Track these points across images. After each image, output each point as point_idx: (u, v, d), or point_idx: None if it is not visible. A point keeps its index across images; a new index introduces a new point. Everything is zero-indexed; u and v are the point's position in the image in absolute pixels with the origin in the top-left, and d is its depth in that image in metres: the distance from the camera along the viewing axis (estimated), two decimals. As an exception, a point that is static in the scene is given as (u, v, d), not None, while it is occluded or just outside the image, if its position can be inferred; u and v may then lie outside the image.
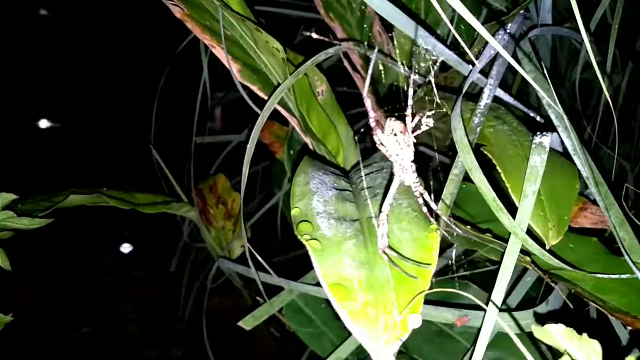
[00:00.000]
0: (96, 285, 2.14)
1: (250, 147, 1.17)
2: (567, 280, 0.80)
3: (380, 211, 0.60)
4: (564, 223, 0.84)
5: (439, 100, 0.70)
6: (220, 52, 1.24)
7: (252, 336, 1.70)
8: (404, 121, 0.64)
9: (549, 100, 0.99)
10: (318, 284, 1.28)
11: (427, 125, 0.65)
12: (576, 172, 0.92)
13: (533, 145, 0.83)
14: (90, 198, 1.37)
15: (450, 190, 0.87)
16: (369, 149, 1.73)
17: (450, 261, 1.36)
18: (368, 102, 0.63)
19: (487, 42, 1.14)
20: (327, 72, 1.55)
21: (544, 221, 0.84)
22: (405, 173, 0.65)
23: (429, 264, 0.57)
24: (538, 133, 0.88)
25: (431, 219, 0.63)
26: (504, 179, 0.87)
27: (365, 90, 0.62)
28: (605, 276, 0.78)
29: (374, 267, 0.57)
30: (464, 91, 0.96)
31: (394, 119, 0.65)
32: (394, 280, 0.55)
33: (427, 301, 1.28)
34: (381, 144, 0.65)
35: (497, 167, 0.89)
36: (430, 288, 0.55)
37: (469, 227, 0.91)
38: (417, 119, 0.64)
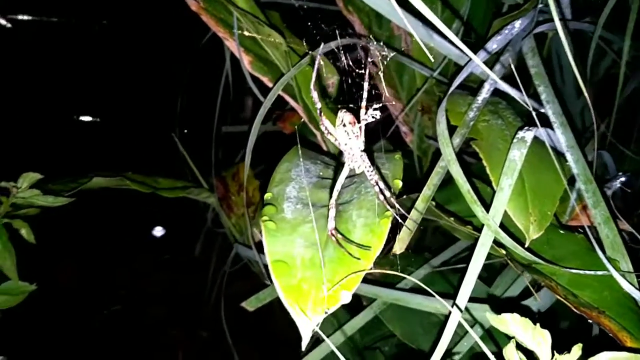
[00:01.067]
0: (126, 267, 2.26)
1: (253, 135, 1.22)
2: (542, 273, 0.80)
3: (330, 197, 0.63)
4: (546, 218, 0.85)
5: (387, 94, 0.72)
6: (232, 45, 1.30)
7: (273, 320, 1.76)
8: (354, 113, 0.67)
9: (547, 96, 0.99)
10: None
11: (373, 117, 0.68)
12: (565, 169, 0.92)
13: (515, 140, 0.84)
14: (113, 181, 1.46)
15: (433, 181, 0.89)
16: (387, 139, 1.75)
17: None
18: (314, 95, 0.66)
19: (489, 37, 1.14)
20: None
21: (526, 215, 0.85)
22: (355, 162, 0.68)
23: (369, 247, 0.60)
24: (525, 128, 0.88)
25: (387, 207, 0.65)
26: (488, 172, 0.89)
27: (311, 84, 0.66)
28: (580, 272, 0.78)
29: (325, 248, 0.61)
30: (454, 85, 0.97)
31: (344, 110, 0.68)
32: (338, 260, 0.59)
33: (425, 292, 1.30)
34: (329, 133, 0.68)
35: (483, 161, 0.91)
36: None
37: (452, 218, 0.93)
38: (369, 111, 0.67)
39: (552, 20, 1.32)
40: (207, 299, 2.21)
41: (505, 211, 0.85)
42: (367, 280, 1.40)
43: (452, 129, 1.00)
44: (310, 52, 1.16)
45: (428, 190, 0.87)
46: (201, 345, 2.06)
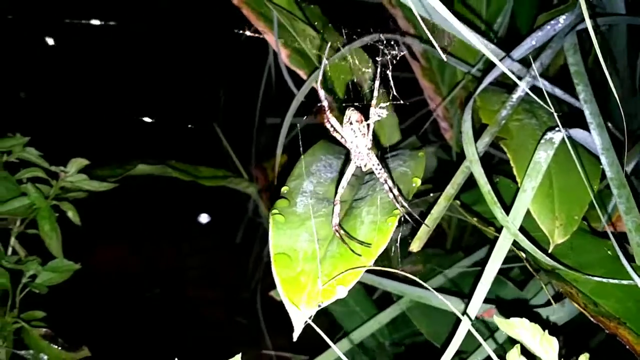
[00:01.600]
0: (170, 251, 2.36)
1: (284, 127, 1.24)
2: (564, 280, 0.78)
3: (336, 193, 0.64)
4: (573, 222, 0.82)
5: (395, 93, 0.71)
6: (271, 39, 1.32)
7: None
8: (361, 112, 0.67)
9: (585, 95, 0.95)
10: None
11: (379, 115, 0.67)
12: (599, 172, 0.88)
13: (542, 141, 0.82)
14: (156, 168, 1.52)
15: (457, 180, 0.88)
16: (420, 136, 1.73)
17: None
18: (321, 92, 0.66)
19: (526, 35, 1.10)
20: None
21: (551, 219, 0.82)
22: (362, 160, 0.69)
23: (369, 244, 0.61)
24: (557, 129, 0.86)
25: (397, 205, 0.65)
26: (515, 173, 0.87)
27: (318, 82, 0.66)
28: (604, 280, 0.75)
29: (329, 243, 0.62)
30: (483, 85, 0.95)
31: (352, 108, 0.69)
32: (340, 256, 0.59)
33: (455, 293, 1.28)
34: (334, 130, 0.68)
35: (510, 161, 0.88)
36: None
37: (475, 219, 0.92)
38: (376, 109, 0.67)
39: (601, 15, 1.27)
40: (246, 286, 2.26)
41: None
42: (396, 277, 1.41)
43: (484, 127, 0.99)
44: (341, 47, 1.17)
45: (451, 189, 0.86)
46: (237, 331, 2.12)
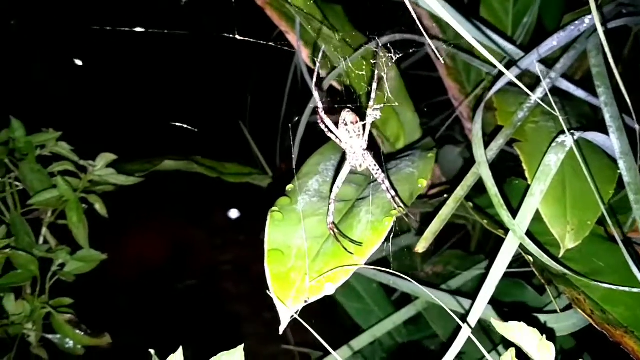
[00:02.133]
0: (203, 245, 2.42)
1: (302, 124, 1.25)
2: (572, 285, 0.77)
3: (330, 192, 0.65)
4: (585, 227, 0.80)
5: (389, 95, 0.71)
6: (292, 38, 1.34)
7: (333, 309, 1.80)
8: (356, 113, 0.68)
9: (606, 98, 0.93)
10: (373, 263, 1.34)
11: (375, 117, 0.68)
12: (615, 177, 0.86)
13: (553, 144, 0.80)
14: (183, 164, 1.56)
15: (468, 182, 0.87)
16: (445, 137, 1.72)
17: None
18: (315, 94, 0.67)
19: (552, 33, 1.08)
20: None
21: (563, 223, 0.81)
22: (357, 160, 0.69)
23: (360, 243, 0.61)
24: (571, 132, 0.84)
25: (394, 205, 0.66)
26: (527, 176, 0.85)
27: (312, 84, 0.67)
28: (613, 287, 0.73)
29: (325, 241, 0.63)
30: (495, 88, 0.94)
31: (348, 110, 0.69)
32: (332, 253, 0.60)
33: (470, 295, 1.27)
34: (329, 131, 0.69)
35: (523, 164, 0.87)
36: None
37: (485, 221, 0.91)
38: (372, 111, 0.67)
39: (631, 15, 1.23)
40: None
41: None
42: (416, 278, 1.40)
43: (500, 128, 0.98)
44: (360, 46, 1.17)
45: (461, 190, 0.86)
46: (263, 325, 2.15)
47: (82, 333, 1.14)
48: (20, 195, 1.25)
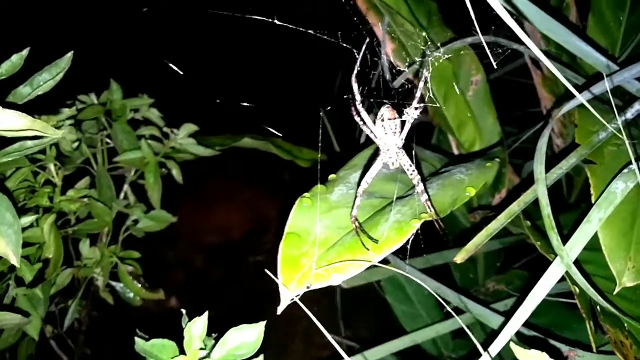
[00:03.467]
0: (272, 224, 2.49)
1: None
2: (620, 326, 0.70)
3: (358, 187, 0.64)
4: (649, 267, 0.73)
5: (431, 95, 0.67)
6: (378, 32, 1.33)
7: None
8: (397, 110, 0.65)
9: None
10: (425, 270, 1.31)
11: (412, 117, 0.65)
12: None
13: (625, 170, 0.73)
14: (261, 143, 1.62)
15: (526, 198, 0.82)
16: (527, 150, 1.62)
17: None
18: (355, 86, 0.66)
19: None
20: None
21: (623, 258, 0.74)
22: (390, 157, 0.67)
23: (377, 240, 0.59)
24: (651, 160, 0.76)
25: (428, 209, 0.63)
26: (592, 200, 0.79)
27: (353, 76, 0.65)
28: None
29: (348, 233, 0.62)
30: (569, 106, 0.87)
31: (387, 105, 0.67)
32: (349, 246, 0.60)
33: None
34: (364, 124, 0.67)
35: (591, 189, 0.80)
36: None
37: (539, 243, 0.85)
38: (410, 110, 0.64)
39: None
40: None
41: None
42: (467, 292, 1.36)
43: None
44: (444, 44, 1.13)
45: (516, 206, 0.81)
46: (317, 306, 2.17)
47: (140, 285, 1.23)
48: (109, 153, 1.37)
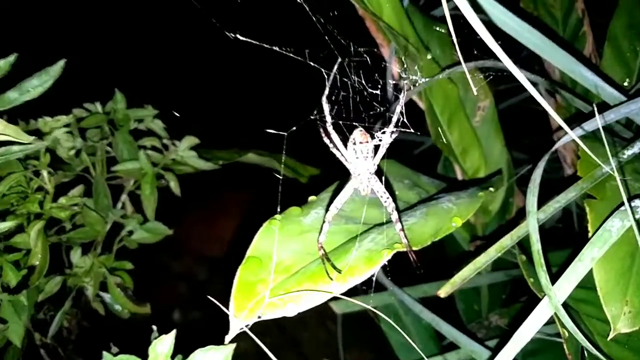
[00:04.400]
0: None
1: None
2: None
3: (325, 213, 0.60)
4: (647, 313, 0.67)
5: (406, 121, 0.64)
6: (386, 52, 1.31)
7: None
8: (371, 135, 0.62)
9: None
10: (425, 300, 1.26)
11: (387, 142, 0.61)
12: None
13: (622, 208, 0.68)
14: (265, 160, 1.60)
15: (518, 232, 0.78)
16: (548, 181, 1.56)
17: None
18: (325, 107, 0.63)
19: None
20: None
21: (620, 302, 0.69)
22: (361, 182, 0.63)
23: (340, 270, 0.56)
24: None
25: (403, 239, 0.59)
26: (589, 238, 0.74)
27: (323, 96, 0.62)
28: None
29: (315, 261, 0.59)
30: (561, 141, 0.83)
31: (360, 129, 0.64)
32: (312, 274, 0.56)
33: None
34: (334, 147, 0.64)
35: (588, 224, 0.76)
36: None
37: (532, 280, 0.81)
38: (381, 135, 0.61)
39: None
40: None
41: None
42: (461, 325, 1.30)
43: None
44: (445, 68, 1.10)
45: (508, 240, 0.77)
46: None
47: (127, 298, 1.21)
48: (110, 162, 1.36)
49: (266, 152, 1.65)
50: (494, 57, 1.09)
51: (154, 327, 0.72)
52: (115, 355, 0.72)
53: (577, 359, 0.69)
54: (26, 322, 1.07)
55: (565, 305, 0.81)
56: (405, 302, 1.20)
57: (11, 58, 0.76)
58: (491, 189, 0.84)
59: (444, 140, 1.18)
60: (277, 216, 0.64)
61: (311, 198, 0.72)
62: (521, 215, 1.47)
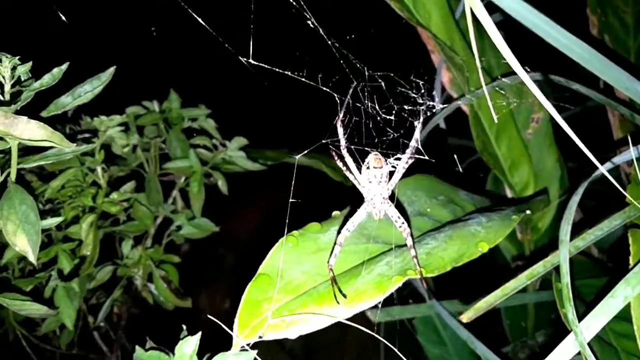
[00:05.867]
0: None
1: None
2: None
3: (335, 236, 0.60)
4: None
5: (419, 146, 0.61)
6: (436, 59, 1.28)
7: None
8: (386, 159, 0.60)
9: None
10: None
11: (403, 167, 0.60)
12: None
13: (665, 243, 0.63)
14: (313, 162, 1.61)
15: (553, 259, 0.74)
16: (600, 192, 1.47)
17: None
18: (340, 130, 0.62)
19: None
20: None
21: (657, 344, 0.64)
22: (374, 207, 0.62)
23: (345, 295, 0.55)
24: None
25: (417, 266, 0.58)
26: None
27: (338, 119, 0.61)
28: None
29: (325, 282, 0.58)
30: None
31: (376, 152, 0.62)
32: (319, 296, 0.56)
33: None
34: (347, 170, 0.63)
35: (630, 258, 0.71)
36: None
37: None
38: (394, 161, 0.60)
39: None
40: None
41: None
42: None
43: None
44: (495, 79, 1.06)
45: (540, 267, 0.74)
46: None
47: (170, 292, 1.27)
48: (164, 159, 1.42)
49: (314, 154, 1.67)
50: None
51: (184, 327, 0.75)
52: (147, 350, 0.76)
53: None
54: (77, 308, 1.15)
55: (602, 340, 0.77)
56: (443, 317, 1.18)
57: (63, 66, 0.81)
58: (528, 211, 0.81)
59: (491, 152, 1.14)
60: (295, 232, 0.65)
61: (335, 213, 0.72)
62: (578, 230, 1.40)
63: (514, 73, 1.15)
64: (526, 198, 1.16)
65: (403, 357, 0.58)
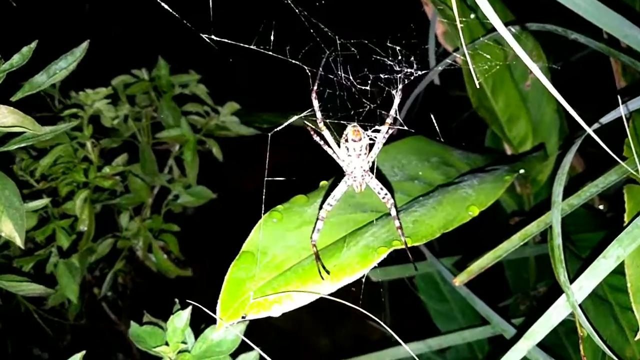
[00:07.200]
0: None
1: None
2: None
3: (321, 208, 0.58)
4: (682, 316, 0.62)
5: (400, 119, 0.59)
6: (429, 10, 1.23)
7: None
8: (365, 131, 0.58)
9: None
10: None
11: (382, 138, 0.57)
12: None
13: (659, 201, 0.61)
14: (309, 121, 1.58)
15: (547, 219, 0.73)
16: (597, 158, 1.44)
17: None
18: (315, 102, 0.59)
19: None
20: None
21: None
22: (354, 180, 0.60)
23: (328, 272, 0.54)
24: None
25: (401, 236, 0.57)
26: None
27: (313, 92, 0.58)
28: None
29: (310, 257, 0.57)
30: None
31: (353, 124, 0.59)
32: (303, 273, 0.55)
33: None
34: (325, 143, 0.60)
35: (625, 216, 0.69)
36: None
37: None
38: (372, 133, 0.57)
39: None
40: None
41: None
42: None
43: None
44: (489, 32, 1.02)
45: (533, 228, 0.73)
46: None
47: (170, 262, 1.28)
48: (157, 128, 1.40)
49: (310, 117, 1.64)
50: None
51: (176, 300, 0.76)
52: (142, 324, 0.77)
53: (597, 357, 0.65)
54: (79, 282, 1.16)
55: (597, 296, 0.76)
56: (443, 274, 1.18)
57: (32, 44, 0.78)
58: (522, 170, 0.79)
59: (488, 107, 1.11)
60: (280, 206, 0.63)
61: (322, 183, 0.71)
62: (581, 181, 1.37)
63: (511, 24, 1.11)
64: (523, 154, 1.13)
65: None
